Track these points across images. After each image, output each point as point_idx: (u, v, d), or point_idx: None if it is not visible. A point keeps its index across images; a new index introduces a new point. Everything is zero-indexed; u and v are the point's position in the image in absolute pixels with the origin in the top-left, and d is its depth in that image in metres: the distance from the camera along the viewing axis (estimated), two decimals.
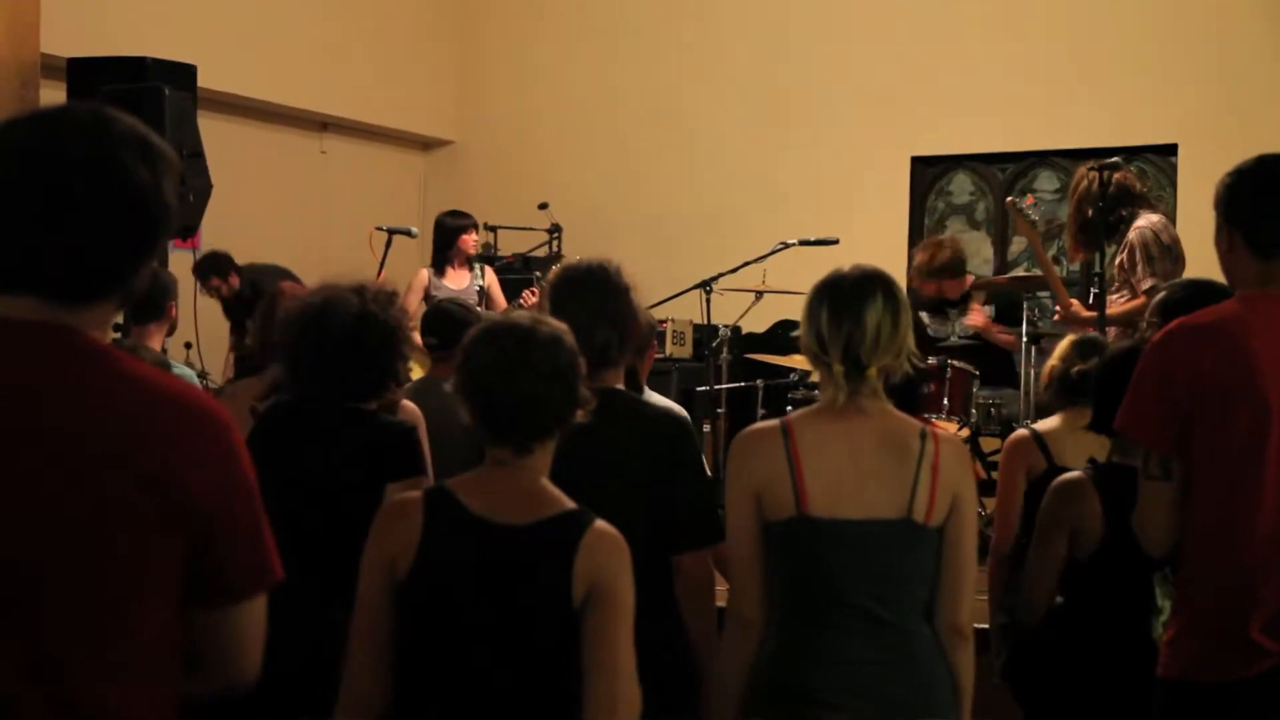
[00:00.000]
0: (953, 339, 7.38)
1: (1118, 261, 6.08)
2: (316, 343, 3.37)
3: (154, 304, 5.42)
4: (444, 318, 4.94)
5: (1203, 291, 3.62)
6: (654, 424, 3.33)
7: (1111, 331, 5.91)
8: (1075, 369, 4.05)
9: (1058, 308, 6.36)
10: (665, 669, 3.23)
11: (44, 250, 1.83)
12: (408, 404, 3.84)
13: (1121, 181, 6.14)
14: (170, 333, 6.05)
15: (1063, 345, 4.25)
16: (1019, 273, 8.02)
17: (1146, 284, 5.94)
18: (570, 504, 2.65)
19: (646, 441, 3.26)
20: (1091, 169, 6.18)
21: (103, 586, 1.82)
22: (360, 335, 3.37)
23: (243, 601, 1.93)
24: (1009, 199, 7.15)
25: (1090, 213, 6.00)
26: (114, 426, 1.82)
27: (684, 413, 3.65)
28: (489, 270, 8.25)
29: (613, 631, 2.58)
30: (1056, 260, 9.13)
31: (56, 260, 1.83)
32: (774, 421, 2.94)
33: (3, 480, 1.80)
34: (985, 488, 6.94)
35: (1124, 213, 6.07)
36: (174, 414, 1.86)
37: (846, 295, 2.90)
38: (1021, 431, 4.23)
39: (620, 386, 3.36)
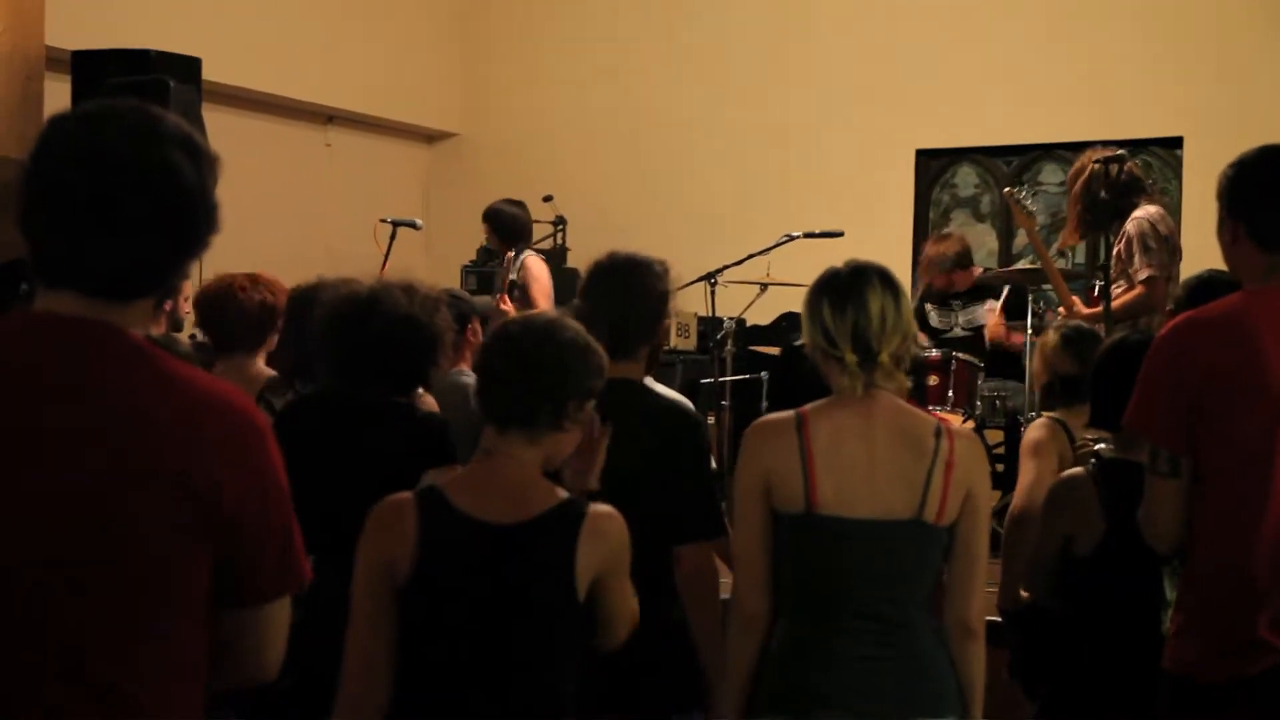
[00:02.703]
0: (955, 330, 7.38)
1: (1115, 251, 6.09)
2: (361, 336, 3.37)
3: None
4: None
5: (1216, 284, 3.62)
6: (660, 416, 3.34)
7: None
8: (1068, 372, 4.07)
9: (1061, 310, 6.37)
10: (669, 661, 3.25)
11: (90, 247, 1.83)
12: (427, 397, 3.86)
13: (1132, 170, 6.16)
14: (175, 328, 6.03)
15: (1049, 345, 4.23)
16: (1024, 265, 8.01)
17: (1143, 274, 5.96)
18: (562, 493, 2.67)
19: (651, 433, 3.27)
20: (1097, 161, 6.18)
21: (136, 585, 1.82)
22: (404, 335, 3.39)
23: (270, 603, 1.94)
24: (1007, 190, 7.15)
25: (1102, 194, 6.00)
26: (153, 428, 1.83)
27: (689, 405, 3.65)
28: (527, 259, 7.77)
29: (620, 590, 2.70)
30: (1060, 253, 9.14)
31: (102, 258, 1.84)
32: (789, 413, 2.91)
33: (42, 477, 1.80)
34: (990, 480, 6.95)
35: (1130, 201, 6.09)
36: (212, 417, 1.86)
37: (846, 286, 2.90)
38: (1046, 418, 4.24)
39: (634, 378, 3.38)
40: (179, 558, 1.84)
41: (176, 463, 1.82)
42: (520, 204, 8.17)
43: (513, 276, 7.70)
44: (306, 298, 3.95)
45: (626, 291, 3.35)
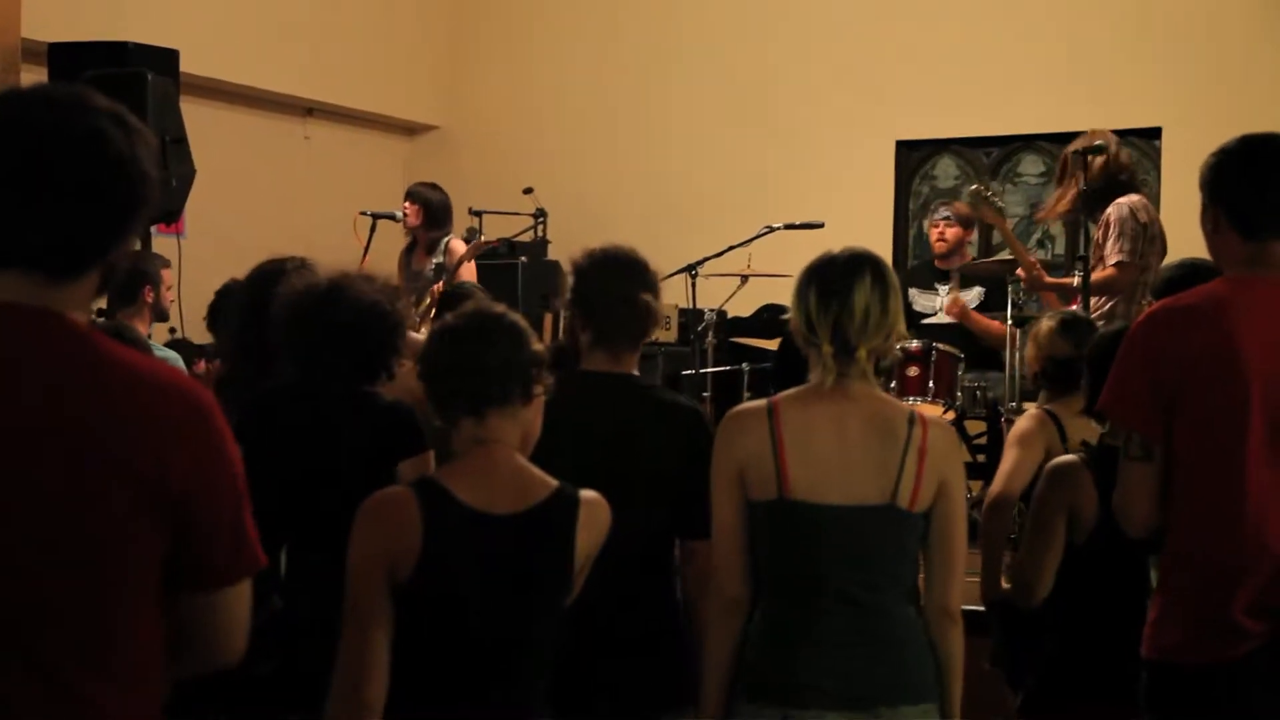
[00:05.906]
0: (940, 315, 7.39)
1: (1095, 239, 6.17)
2: (327, 325, 3.36)
3: (127, 290, 5.37)
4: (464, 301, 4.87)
5: (1198, 272, 3.62)
6: (665, 412, 3.36)
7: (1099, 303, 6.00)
8: (1065, 355, 4.06)
9: (1019, 271, 6.43)
10: (669, 654, 3.26)
11: (26, 225, 1.82)
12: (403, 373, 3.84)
13: (1128, 163, 6.25)
14: (160, 319, 6.01)
15: (1044, 331, 4.24)
16: (1003, 256, 8.03)
17: (1115, 258, 6.04)
18: (552, 481, 2.70)
19: (655, 429, 3.29)
20: (1077, 152, 6.22)
21: (87, 570, 1.81)
22: (369, 321, 3.38)
23: (225, 587, 1.94)
24: (973, 187, 7.19)
25: (1122, 177, 6.11)
26: (96, 411, 1.81)
27: (692, 401, 3.67)
28: (452, 242, 7.89)
29: (585, 572, 2.76)
30: (1039, 244, 9.18)
31: (39, 234, 1.82)
32: (761, 401, 2.95)
33: None
34: (971, 470, 6.97)
35: (1121, 189, 6.16)
36: (156, 399, 1.86)
37: (835, 277, 2.90)
38: (1037, 410, 4.24)
39: (631, 373, 3.39)
40: (130, 542, 1.83)
41: (120, 444, 1.81)
42: (441, 189, 8.12)
43: (439, 260, 7.71)
44: (268, 279, 3.71)
45: (617, 278, 3.34)
